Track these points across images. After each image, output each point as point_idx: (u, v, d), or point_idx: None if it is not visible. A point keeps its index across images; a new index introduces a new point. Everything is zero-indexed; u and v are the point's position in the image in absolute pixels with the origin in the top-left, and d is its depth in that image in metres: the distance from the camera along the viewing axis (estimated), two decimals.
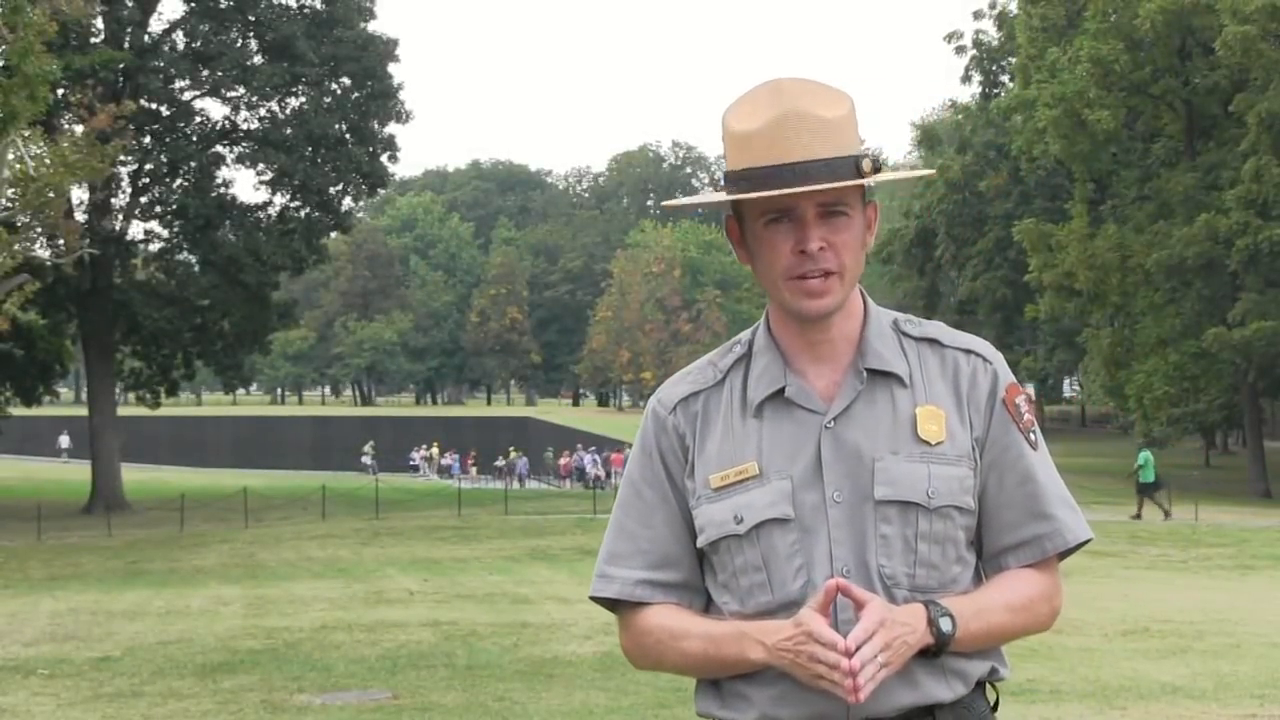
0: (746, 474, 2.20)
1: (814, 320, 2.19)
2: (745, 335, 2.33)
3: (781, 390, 2.22)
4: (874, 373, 2.21)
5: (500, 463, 63.49)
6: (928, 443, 2.18)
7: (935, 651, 2.12)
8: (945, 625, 2.11)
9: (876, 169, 2.16)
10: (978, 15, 59.00)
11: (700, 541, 2.23)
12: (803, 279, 2.15)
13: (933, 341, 2.27)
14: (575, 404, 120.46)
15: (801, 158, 2.11)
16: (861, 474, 2.16)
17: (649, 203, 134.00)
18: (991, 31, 58.72)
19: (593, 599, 2.32)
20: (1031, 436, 2.26)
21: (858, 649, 2.01)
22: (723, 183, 2.23)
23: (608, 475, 54.70)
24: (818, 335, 2.22)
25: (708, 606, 2.26)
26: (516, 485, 55.52)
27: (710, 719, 2.24)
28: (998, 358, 2.29)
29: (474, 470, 64.06)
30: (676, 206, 2.40)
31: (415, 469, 68.64)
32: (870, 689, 2.03)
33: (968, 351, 2.27)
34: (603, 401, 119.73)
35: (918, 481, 2.16)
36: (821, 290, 2.16)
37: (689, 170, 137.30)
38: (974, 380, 2.24)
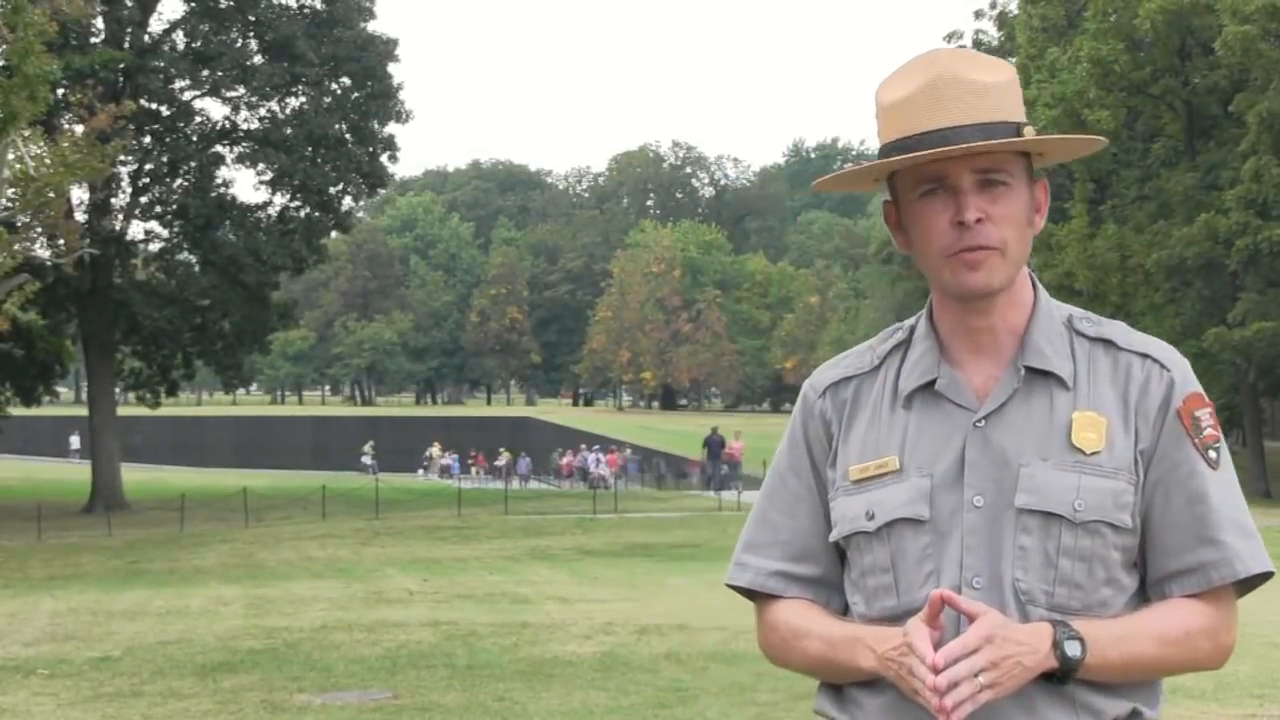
0: (886, 468, 2.08)
1: (974, 300, 2.04)
2: (910, 321, 2.20)
3: (933, 382, 2.08)
4: (1033, 371, 2.05)
5: (499, 463, 63.47)
6: (1082, 451, 2.01)
7: (1061, 678, 1.94)
8: (1072, 649, 1.92)
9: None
10: (978, 15, 58.96)
11: (832, 536, 2.13)
12: (961, 253, 2.00)
13: (1107, 343, 2.09)
14: (575, 404, 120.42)
15: (955, 122, 1.98)
16: (1005, 479, 2.00)
17: (649, 203, 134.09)
18: (991, 31, 58.69)
19: (729, 587, 2.23)
20: (1211, 454, 2.05)
21: (947, 664, 1.87)
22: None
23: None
24: (978, 322, 2.07)
25: (847, 608, 2.15)
26: (518, 485, 55.50)
27: (826, 717, 2.15)
28: (1179, 364, 2.08)
29: (474, 470, 64.00)
30: (826, 183, 2.24)
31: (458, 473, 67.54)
32: (966, 710, 1.87)
33: (1143, 355, 2.08)
34: (589, 402, 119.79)
35: (1064, 492, 1.99)
36: (980, 262, 2.00)
37: (689, 170, 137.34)
38: (1145, 387, 2.05)
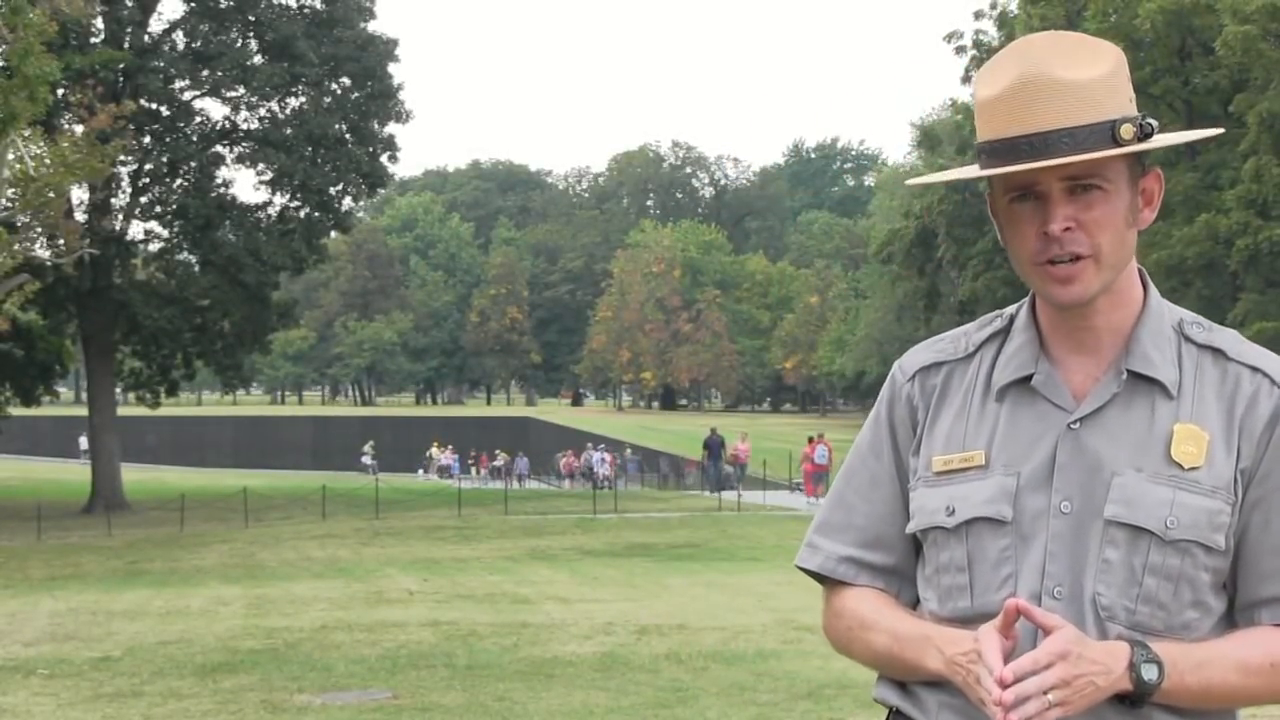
0: (971, 462, 1.98)
1: (1071, 309, 1.95)
2: (1009, 309, 2.11)
3: (1029, 377, 1.99)
4: (1136, 376, 1.95)
5: (496, 463, 63.47)
6: (1180, 465, 1.91)
7: (1135, 701, 1.85)
8: (1148, 673, 1.83)
9: (1145, 135, 1.90)
10: (978, 15, 59.01)
11: (909, 528, 2.04)
12: (1050, 264, 1.91)
13: (1217, 352, 1.98)
14: (576, 403, 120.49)
15: (1040, 128, 1.88)
16: (1096, 487, 1.91)
17: (649, 203, 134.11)
18: (991, 31, 58.71)
19: (797, 568, 2.16)
20: None
21: (1016, 679, 1.77)
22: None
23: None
24: (1079, 323, 1.97)
25: (918, 602, 2.07)
26: (516, 485, 55.48)
27: (887, 706, 2.07)
28: None
29: (473, 470, 63.99)
30: (922, 184, 2.21)
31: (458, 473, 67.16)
32: None
33: (1254, 369, 1.96)
34: (577, 402, 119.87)
35: (1157, 507, 1.89)
36: (1070, 276, 1.91)
37: (689, 170, 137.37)
38: (1253, 402, 1.94)
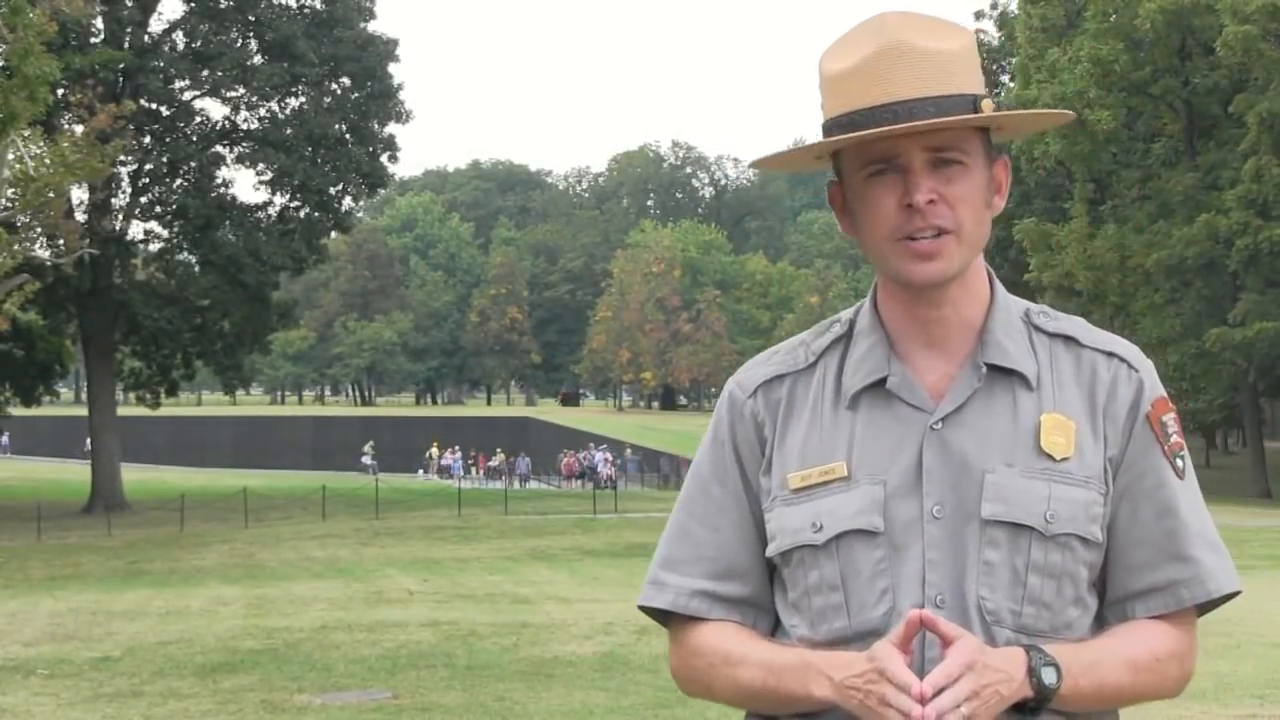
0: (832, 475, 1.87)
1: (925, 289, 1.85)
2: (847, 313, 1.99)
3: (883, 380, 1.88)
4: (995, 369, 1.86)
5: (493, 463, 63.45)
6: (1051, 457, 1.83)
7: (1033, 708, 1.76)
8: (1048, 677, 1.75)
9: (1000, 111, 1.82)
10: (978, 15, 59.05)
11: (770, 550, 1.91)
12: (911, 239, 1.81)
13: (1069, 339, 1.91)
14: (577, 403, 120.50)
15: (905, 95, 1.79)
16: (968, 487, 1.82)
17: (649, 203, 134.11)
18: (992, 31, 58.75)
19: (641, 609, 1.99)
20: (1178, 463, 1.89)
21: (935, 695, 1.68)
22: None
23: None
24: (931, 313, 1.88)
25: (775, 629, 1.94)
26: (517, 485, 55.49)
27: None
28: (1145, 365, 1.91)
29: (473, 470, 63.96)
30: (766, 162, 2.02)
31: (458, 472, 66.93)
32: None
33: (1109, 354, 1.90)
34: (568, 401, 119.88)
35: (1035, 502, 1.81)
36: (932, 251, 1.81)
37: (689, 170, 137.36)
38: (1113, 388, 1.88)
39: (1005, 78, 58.50)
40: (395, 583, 19.55)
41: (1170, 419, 1.90)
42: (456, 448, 68.40)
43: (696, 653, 1.93)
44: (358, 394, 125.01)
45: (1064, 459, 1.83)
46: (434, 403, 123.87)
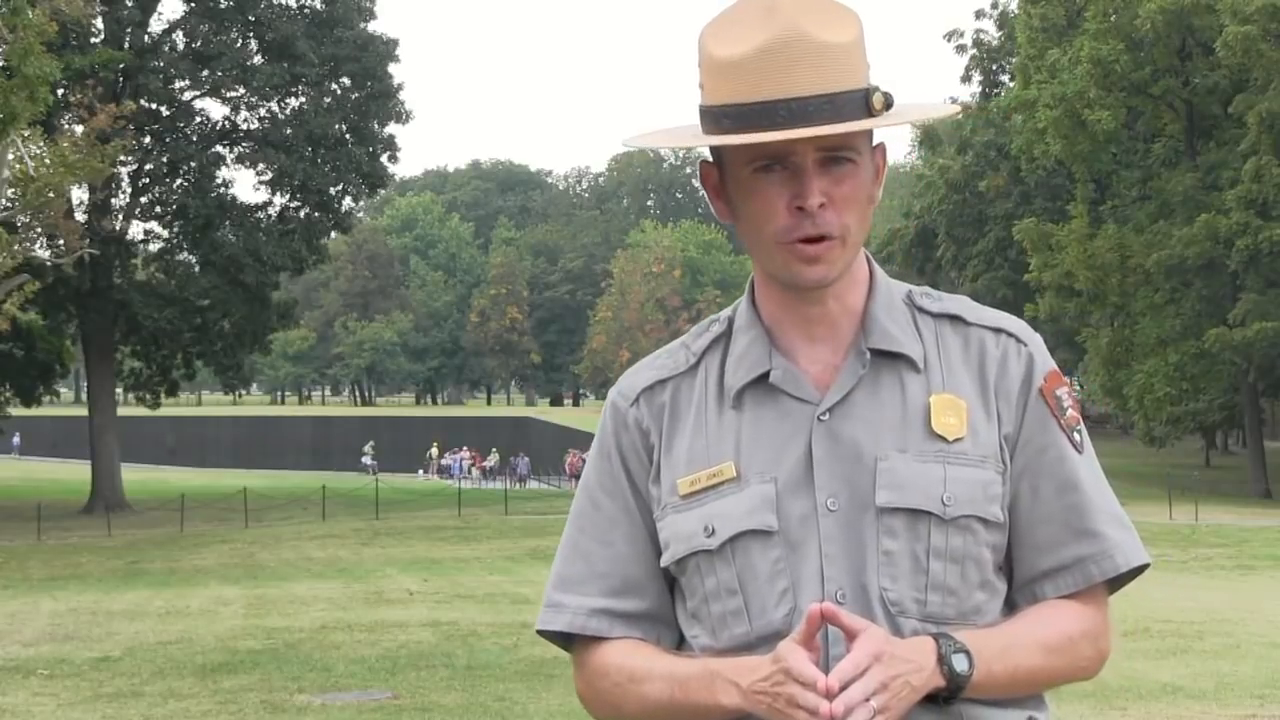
0: (721, 477, 1.81)
1: (811, 291, 1.81)
2: (726, 311, 1.95)
3: (765, 375, 1.83)
4: (879, 354, 1.82)
5: (488, 463, 63.43)
6: (944, 438, 1.78)
7: (947, 697, 1.72)
8: (959, 664, 1.71)
9: (888, 105, 1.77)
10: (979, 15, 59.14)
11: (664, 559, 1.85)
12: (800, 243, 1.76)
13: (954, 318, 1.87)
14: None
15: (801, 92, 1.72)
16: (861, 476, 1.77)
17: (649, 203, 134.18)
18: (992, 31, 58.81)
19: (540, 633, 1.92)
20: (1075, 436, 1.85)
21: (843, 688, 1.63)
22: (700, 119, 1.83)
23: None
24: (812, 308, 1.83)
25: (681, 643, 1.88)
26: (516, 485, 55.48)
27: None
28: (1034, 339, 1.88)
29: (470, 470, 63.95)
30: (642, 144, 1.96)
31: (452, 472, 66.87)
32: None
33: (996, 330, 1.86)
34: (556, 401, 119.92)
35: (930, 485, 1.76)
36: (818, 256, 1.76)
37: (689, 170, 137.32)
38: (1004, 365, 1.84)
39: (1005, 78, 58.55)
40: (395, 583, 19.55)
41: (1064, 392, 1.86)
42: (464, 448, 68.41)
43: (601, 673, 1.86)
44: (358, 394, 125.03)
45: (957, 439, 1.78)
46: (434, 403, 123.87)
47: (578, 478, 32.71)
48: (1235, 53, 39.74)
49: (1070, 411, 1.86)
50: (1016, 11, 52.10)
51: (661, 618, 1.88)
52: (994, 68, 59.83)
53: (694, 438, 1.85)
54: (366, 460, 66.81)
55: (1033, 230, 47.05)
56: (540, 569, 21.37)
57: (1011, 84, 54.73)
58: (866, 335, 1.83)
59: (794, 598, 1.76)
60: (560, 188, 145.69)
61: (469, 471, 63.13)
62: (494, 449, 68.10)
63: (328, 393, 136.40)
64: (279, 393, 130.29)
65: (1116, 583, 1.85)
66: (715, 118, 1.78)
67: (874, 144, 1.84)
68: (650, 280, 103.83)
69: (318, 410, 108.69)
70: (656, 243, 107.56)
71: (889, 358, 1.83)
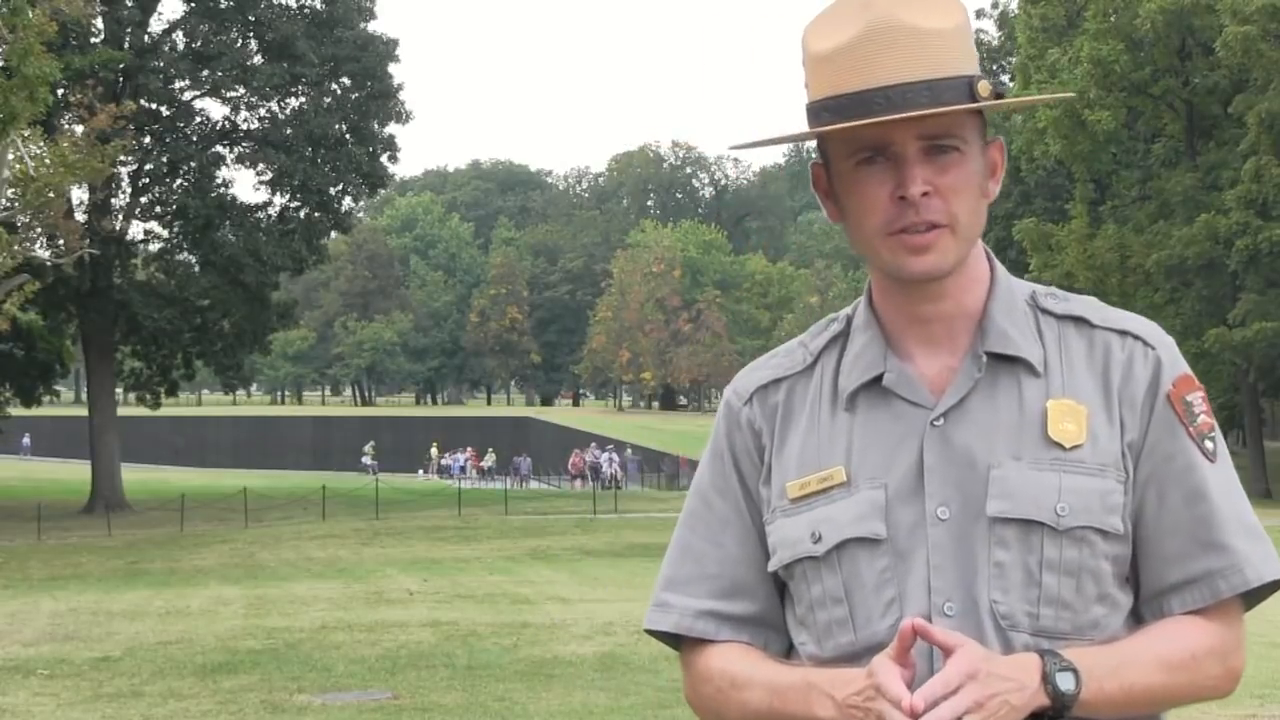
0: (831, 481, 1.77)
1: (920, 284, 1.75)
2: (846, 310, 1.90)
3: (879, 377, 1.78)
4: (996, 358, 1.76)
5: (485, 463, 63.41)
6: (1061, 446, 1.71)
7: (1053, 717, 1.64)
8: (1064, 682, 1.63)
9: (998, 95, 1.72)
10: (979, 14, 59.06)
11: (772, 564, 1.82)
12: (904, 233, 1.71)
13: (1079, 320, 1.79)
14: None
15: (896, 79, 1.68)
16: (974, 485, 1.71)
17: (649, 203, 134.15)
18: (992, 31, 58.79)
19: (649, 633, 1.91)
20: (1208, 444, 1.76)
21: (930, 707, 1.58)
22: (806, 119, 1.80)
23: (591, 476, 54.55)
24: (927, 307, 1.77)
25: (791, 649, 1.85)
26: (516, 486, 55.47)
27: None
28: (1164, 342, 1.79)
29: (469, 470, 63.95)
30: (746, 147, 1.92)
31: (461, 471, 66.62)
32: None
33: (1122, 333, 1.77)
34: (546, 401, 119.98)
35: (1044, 495, 1.69)
36: (926, 245, 1.71)
37: (689, 170, 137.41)
38: (1129, 369, 1.75)
39: (1005, 78, 58.55)
40: (395, 583, 19.55)
41: (1196, 398, 1.76)
42: (469, 449, 68.43)
43: (705, 678, 1.84)
44: (358, 394, 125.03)
45: (1075, 447, 1.71)
46: (434, 403, 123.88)
47: (579, 478, 32.70)
48: (1235, 53, 39.74)
49: (1202, 418, 1.77)
50: (1016, 11, 52.11)
51: (770, 622, 1.85)
52: (994, 67, 59.79)
53: (806, 440, 1.81)
54: (366, 460, 66.82)
55: (1033, 230, 47.06)
56: (540, 569, 21.36)
57: (1011, 84, 54.72)
58: (984, 338, 1.77)
59: (901, 608, 1.72)
60: (560, 188, 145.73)
61: (467, 470, 63.13)
62: (490, 449, 68.11)
63: (328, 393, 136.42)
64: (279, 393, 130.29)
65: (1251, 597, 1.77)
66: (816, 113, 1.75)
67: (989, 139, 1.79)
68: (650, 280, 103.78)
69: (318, 410, 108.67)
70: (656, 243, 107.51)
71: (1006, 361, 1.76)
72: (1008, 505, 1.70)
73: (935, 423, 1.74)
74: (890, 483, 1.74)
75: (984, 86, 1.70)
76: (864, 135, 1.71)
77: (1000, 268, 1.84)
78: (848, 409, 1.80)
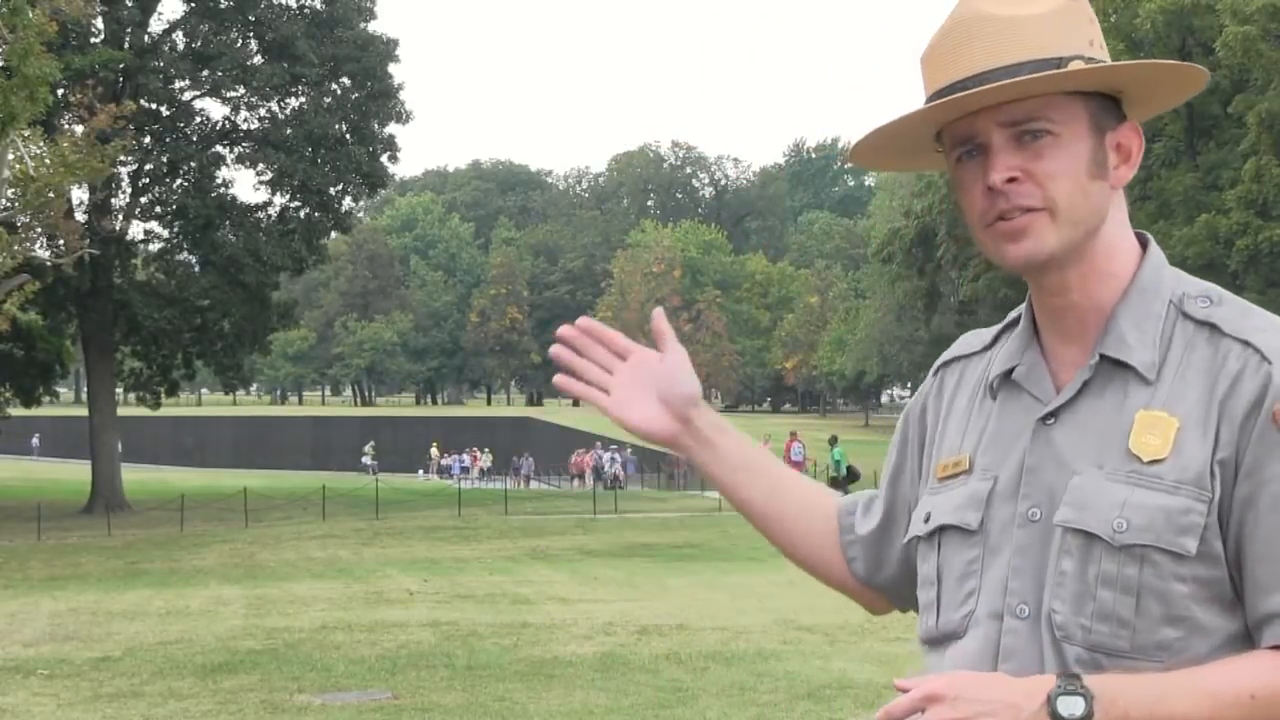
0: (960, 467, 1.77)
1: (1036, 276, 1.71)
2: None
3: (1014, 369, 1.77)
4: (1110, 361, 1.69)
5: (483, 463, 63.40)
6: (1139, 458, 1.63)
7: None
8: (1067, 707, 1.54)
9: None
10: None
11: (907, 535, 1.87)
12: (1000, 221, 1.67)
13: (1213, 328, 1.69)
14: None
15: (973, 69, 1.65)
16: (1059, 490, 1.67)
17: (649, 203, 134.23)
18: None
19: None
20: None
21: None
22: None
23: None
24: (1054, 300, 1.72)
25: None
26: (521, 485, 55.48)
27: None
28: None
29: (468, 470, 63.96)
30: (865, 156, 1.86)
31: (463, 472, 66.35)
32: None
33: (1245, 343, 1.65)
34: (534, 401, 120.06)
35: (1107, 509, 1.63)
36: (1019, 230, 1.65)
37: (689, 170, 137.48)
38: (1236, 382, 1.63)
39: None
40: (395, 583, 19.54)
41: None
42: (474, 448, 68.41)
43: None
44: (358, 394, 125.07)
45: (1154, 461, 1.62)
46: (434, 403, 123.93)
47: (580, 478, 32.63)
48: (1235, 53, 39.76)
49: None
50: None
51: (902, 589, 1.92)
52: None
53: (959, 421, 1.83)
54: (366, 460, 66.81)
55: None
56: (540, 569, 21.36)
57: None
58: (1104, 338, 1.71)
59: (976, 601, 1.70)
60: (560, 188, 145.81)
61: (470, 470, 63.14)
62: (487, 449, 68.09)
63: (328, 393, 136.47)
64: (279, 393, 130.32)
65: None
66: (924, 114, 1.72)
67: (1113, 124, 1.71)
68: (650, 280, 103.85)
69: (318, 410, 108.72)
70: (656, 243, 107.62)
71: (1119, 366, 1.69)
72: (1074, 515, 1.65)
73: (1046, 421, 1.71)
74: (1001, 476, 1.73)
75: (1077, 65, 1.64)
76: (956, 130, 1.69)
77: (1153, 266, 1.78)
78: (993, 396, 1.79)
